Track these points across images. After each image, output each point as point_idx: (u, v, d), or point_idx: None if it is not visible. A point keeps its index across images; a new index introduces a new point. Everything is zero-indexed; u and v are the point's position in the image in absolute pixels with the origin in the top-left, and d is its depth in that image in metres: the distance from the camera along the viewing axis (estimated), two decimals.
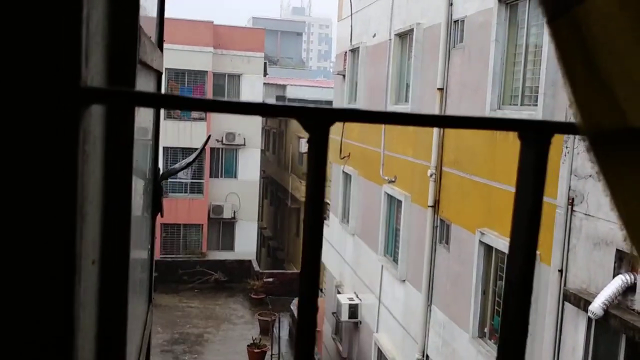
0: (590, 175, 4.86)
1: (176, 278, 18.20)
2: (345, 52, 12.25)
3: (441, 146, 7.79)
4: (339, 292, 11.84)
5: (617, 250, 4.53)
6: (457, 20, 7.53)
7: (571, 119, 0.41)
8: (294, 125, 20.09)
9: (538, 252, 5.50)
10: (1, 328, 0.38)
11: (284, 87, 25.61)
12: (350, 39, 11.75)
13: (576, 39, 0.38)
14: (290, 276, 17.97)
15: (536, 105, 5.76)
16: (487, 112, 6.52)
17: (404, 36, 9.36)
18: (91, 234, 0.55)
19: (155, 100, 0.39)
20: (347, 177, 11.94)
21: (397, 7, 9.57)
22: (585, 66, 0.38)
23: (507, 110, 6.38)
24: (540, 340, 5.41)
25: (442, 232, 7.80)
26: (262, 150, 22.00)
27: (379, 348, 9.80)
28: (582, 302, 4.71)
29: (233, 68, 20.11)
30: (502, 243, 6.08)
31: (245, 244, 20.39)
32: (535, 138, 0.39)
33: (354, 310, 10.82)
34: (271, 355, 13.36)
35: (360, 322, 10.86)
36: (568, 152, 5.16)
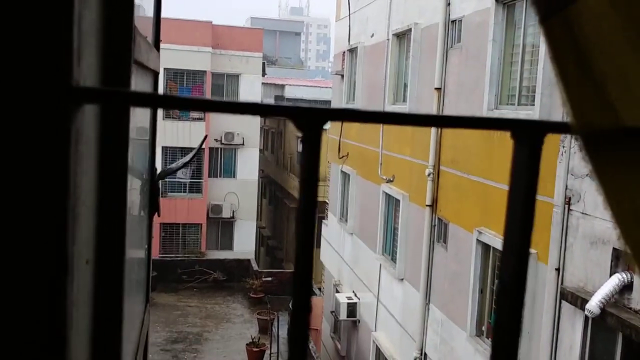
0: (586, 175, 4.87)
1: (175, 277, 18.20)
2: (344, 52, 12.25)
3: (439, 146, 7.80)
4: (337, 291, 11.85)
5: (614, 249, 4.54)
6: (455, 20, 7.53)
7: (567, 118, 0.41)
8: (293, 125, 19.94)
9: (535, 251, 5.51)
10: None
11: (282, 87, 25.62)
12: (349, 39, 11.75)
13: (569, 38, 0.38)
14: (288, 275, 17.98)
15: (533, 105, 5.77)
16: (484, 112, 6.53)
17: (402, 36, 9.36)
18: (84, 233, 0.55)
19: (148, 100, 0.39)
20: (345, 176, 11.94)
21: (395, 7, 9.58)
22: (578, 65, 0.38)
23: (505, 110, 6.39)
24: (538, 338, 5.42)
25: (440, 231, 7.81)
26: (260, 149, 22.00)
27: (377, 346, 9.82)
28: (579, 300, 4.72)
29: (232, 68, 20.10)
30: (499, 242, 6.09)
31: (244, 243, 20.40)
32: (529, 137, 0.39)
33: (352, 309, 10.83)
34: (270, 354, 13.37)
35: (359, 321, 10.88)
36: (565, 152, 5.17)
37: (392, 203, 9.58)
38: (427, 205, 7.95)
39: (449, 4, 7.60)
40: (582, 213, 4.94)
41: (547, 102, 5.50)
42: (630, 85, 0.36)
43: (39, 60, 0.37)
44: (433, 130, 7.81)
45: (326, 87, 23.85)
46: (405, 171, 8.93)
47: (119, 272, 0.74)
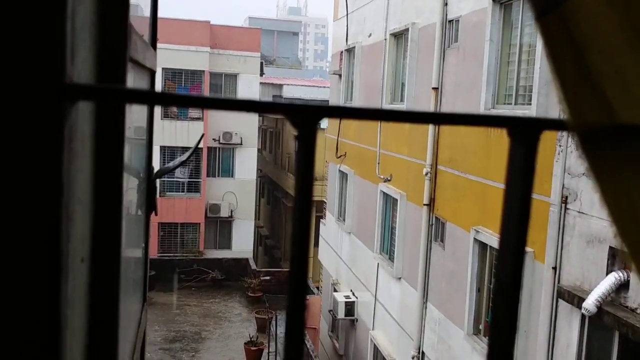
0: (583, 174, 4.88)
1: (173, 277, 18.18)
2: (341, 52, 12.25)
3: (436, 145, 7.81)
4: (335, 290, 11.86)
5: (610, 248, 4.56)
6: (452, 20, 7.54)
7: (563, 116, 0.41)
8: (290, 125, 19.93)
9: (532, 250, 5.53)
10: None
11: (280, 86, 25.60)
12: (346, 39, 11.75)
13: (565, 36, 0.38)
14: (286, 274, 17.85)
15: (530, 104, 5.79)
16: (481, 111, 6.55)
17: (399, 36, 9.37)
18: (80, 231, 0.54)
19: (143, 97, 0.39)
20: (343, 175, 11.95)
21: (393, 7, 9.58)
22: (575, 63, 0.38)
23: (502, 109, 6.40)
24: (535, 337, 5.44)
25: (437, 230, 7.82)
26: (258, 149, 21.99)
27: (375, 345, 9.83)
28: (575, 299, 4.74)
29: (230, 68, 20.09)
30: (496, 241, 6.08)
31: (242, 242, 20.39)
32: (525, 134, 0.39)
33: (350, 307, 10.84)
34: (268, 353, 13.38)
35: (357, 320, 10.89)
36: (562, 151, 5.18)
37: (389, 202, 9.59)
38: (424, 205, 7.96)
39: (446, 4, 7.61)
40: (579, 212, 4.95)
41: (544, 102, 5.51)
42: (627, 84, 0.36)
43: (32, 56, 0.37)
44: (430, 129, 7.82)
45: (324, 87, 23.85)
46: (402, 170, 8.94)
47: (115, 270, 0.74)
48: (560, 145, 5.21)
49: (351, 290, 11.20)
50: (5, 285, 0.38)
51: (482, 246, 6.68)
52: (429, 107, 7.91)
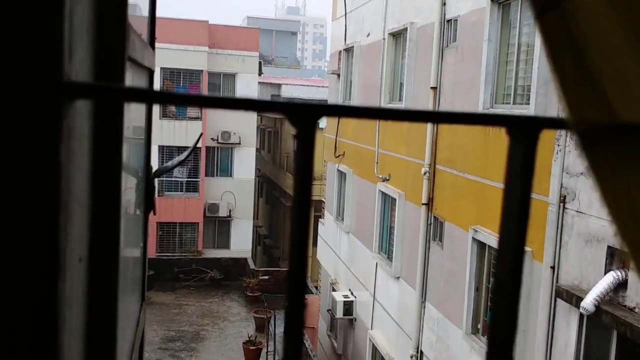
0: (581, 173, 4.89)
1: (172, 276, 18.17)
2: (340, 52, 12.24)
3: (435, 144, 7.81)
4: (334, 290, 11.86)
5: (609, 247, 4.57)
6: (450, 20, 7.55)
7: (563, 115, 0.41)
8: (289, 124, 19.95)
9: (530, 249, 5.53)
10: None
11: (278, 86, 25.59)
12: (345, 39, 11.75)
13: (565, 34, 0.38)
14: (285, 274, 17.92)
15: (528, 104, 5.80)
16: (479, 111, 6.55)
17: (398, 35, 9.37)
18: (78, 230, 0.54)
19: (141, 95, 0.38)
20: (341, 175, 11.95)
21: (391, 6, 9.58)
22: (574, 62, 0.38)
23: (500, 108, 6.41)
24: (533, 336, 5.45)
25: (435, 230, 7.83)
26: (257, 149, 21.97)
27: (373, 345, 9.84)
28: (574, 298, 4.74)
29: (228, 67, 20.07)
30: (495, 240, 6.09)
31: (241, 242, 20.39)
32: (524, 133, 0.39)
33: (348, 307, 10.85)
34: (267, 353, 13.38)
35: (355, 319, 10.89)
36: (560, 150, 5.19)
37: (388, 202, 9.59)
38: (423, 204, 7.97)
39: (444, 3, 7.61)
40: (577, 211, 4.96)
41: (542, 101, 5.52)
42: (628, 84, 0.36)
43: (30, 55, 0.36)
44: (429, 129, 7.82)
45: (322, 87, 23.85)
46: (401, 170, 8.95)
47: (113, 269, 0.73)
48: (558, 145, 5.22)
49: (350, 290, 11.20)
50: (3, 284, 0.38)
51: (481, 245, 6.69)
52: (428, 106, 7.91)
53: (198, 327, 15.34)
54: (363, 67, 10.91)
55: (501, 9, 6.46)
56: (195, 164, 19.58)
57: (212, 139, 19.64)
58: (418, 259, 8.10)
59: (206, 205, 19.92)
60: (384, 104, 9.61)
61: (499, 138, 6.14)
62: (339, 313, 10.89)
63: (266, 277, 17.68)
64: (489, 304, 6.65)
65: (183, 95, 0.36)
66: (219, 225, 20.42)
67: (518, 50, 6.18)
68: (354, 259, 11.15)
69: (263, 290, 17.04)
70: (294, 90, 25.30)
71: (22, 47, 0.36)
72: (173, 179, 19.48)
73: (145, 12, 1.86)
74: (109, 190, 0.69)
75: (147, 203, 1.77)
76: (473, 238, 6.70)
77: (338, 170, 12.04)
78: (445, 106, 7.64)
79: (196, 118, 19.42)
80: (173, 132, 18.87)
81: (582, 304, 4.51)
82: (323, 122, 12.66)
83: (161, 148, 18.39)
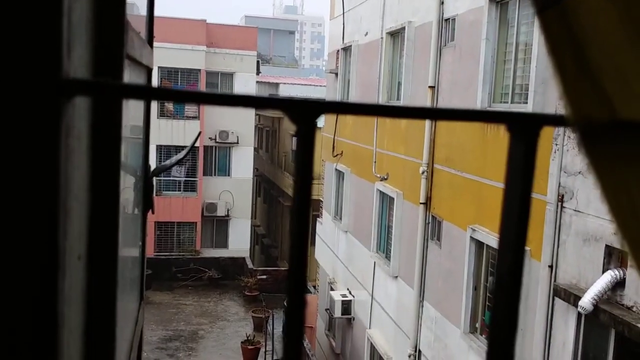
0: (579, 172, 4.90)
1: (170, 275, 18.16)
2: (338, 51, 12.24)
3: (433, 144, 7.82)
4: (332, 289, 11.87)
5: (607, 246, 4.58)
6: (448, 19, 7.55)
7: (563, 111, 0.41)
8: (287, 123, 20.12)
9: (528, 248, 5.55)
10: None
11: (276, 85, 25.58)
12: (343, 38, 11.74)
13: (565, 31, 0.38)
14: (283, 273, 17.98)
15: (526, 102, 5.81)
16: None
17: (396, 34, 9.37)
18: (77, 228, 0.54)
19: (140, 92, 0.38)
20: (339, 174, 11.95)
21: (389, 5, 9.58)
22: (575, 59, 0.38)
23: (498, 107, 6.42)
24: (531, 335, 5.46)
25: (433, 229, 7.84)
26: (255, 148, 21.96)
27: (371, 344, 9.85)
28: (572, 297, 4.76)
29: (226, 66, 20.05)
30: (493, 239, 6.12)
31: (239, 241, 20.38)
32: (524, 130, 0.39)
33: (347, 306, 10.85)
34: (265, 352, 13.38)
35: (353, 318, 10.90)
36: (558, 149, 5.20)
37: (386, 201, 9.60)
38: (421, 203, 7.97)
39: (442, 2, 7.62)
40: (575, 210, 4.97)
41: (540, 100, 5.53)
42: (628, 81, 0.36)
43: (28, 52, 0.36)
44: (427, 128, 7.83)
45: (320, 86, 23.85)
46: (399, 169, 8.95)
47: (112, 268, 0.73)
48: (556, 144, 5.23)
49: (348, 289, 11.21)
50: (2, 283, 0.38)
51: (479, 245, 6.70)
52: (426, 105, 7.92)
53: (196, 327, 15.33)
54: (361, 66, 10.91)
55: (499, 8, 6.46)
56: (193, 164, 19.56)
57: (210, 138, 19.62)
58: (416, 258, 8.11)
59: (204, 205, 19.91)
60: (382, 103, 9.61)
61: (497, 137, 6.15)
62: (337, 312, 10.89)
63: (264, 277, 17.68)
64: (487, 303, 6.66)
65: (182, 92, 0.35)
66: (217, 225, 20.40)
67: (516, 49, 6.19)
68: (352, 259, 11.15)
69: (261, 289, 17.04)
70: (292, 89, 25.29)
71: (20, 44, 0.36)
72: (171, 178, 19.45)
73: (143, 11, 1.85)
74: (108, 188, 0.69)
75: (146, 202, 1.77)
76: (471, 237, 6.71)
77: (336, 169, 12.04)
78: (443, 105, 7.65)
79: (194, 117, 19.40)
80: (171, 131, 18.84)
81: (580, 302, 4.52)
82: (321, 122, 12.65)
83: (159, 147, 18.36)
